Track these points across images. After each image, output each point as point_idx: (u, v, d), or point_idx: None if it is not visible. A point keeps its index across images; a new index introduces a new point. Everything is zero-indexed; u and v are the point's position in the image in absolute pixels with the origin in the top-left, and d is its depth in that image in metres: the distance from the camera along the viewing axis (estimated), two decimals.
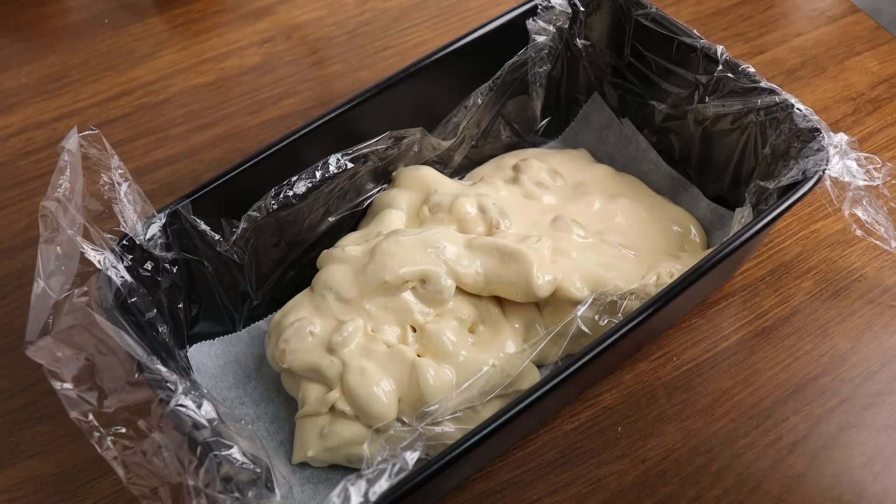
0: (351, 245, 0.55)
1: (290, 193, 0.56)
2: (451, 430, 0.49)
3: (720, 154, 0.60)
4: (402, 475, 0.42)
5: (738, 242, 0.49)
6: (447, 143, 0.63)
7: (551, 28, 0.62)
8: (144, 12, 0.82)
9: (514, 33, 0.62)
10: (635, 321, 0.47)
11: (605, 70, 0.65)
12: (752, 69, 0.57)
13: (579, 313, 0.52)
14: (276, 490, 0.46)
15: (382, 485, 0.41)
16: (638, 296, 0.53)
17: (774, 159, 0.55)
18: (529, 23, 0.62)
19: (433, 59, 0.59)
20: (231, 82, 0.76)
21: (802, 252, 0.62)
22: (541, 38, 0.62)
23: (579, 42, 0.64)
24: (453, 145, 0.63)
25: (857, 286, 0.60)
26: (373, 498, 0.41)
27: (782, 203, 0.50)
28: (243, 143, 0.71)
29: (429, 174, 0.60)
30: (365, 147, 0.58)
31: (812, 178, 0.51)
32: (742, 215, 0.56)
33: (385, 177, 0.61)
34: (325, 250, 0.57)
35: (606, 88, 0.66)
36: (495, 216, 0.56)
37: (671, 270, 0.55)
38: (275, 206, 0.56)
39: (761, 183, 0.55)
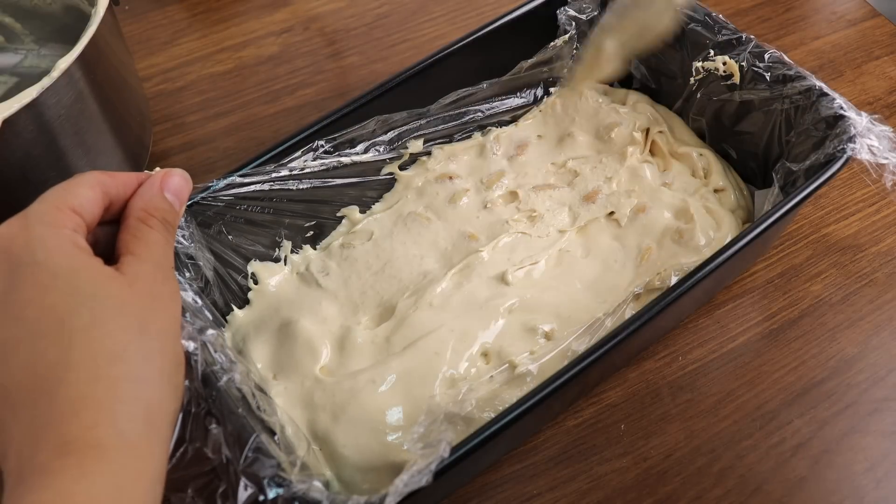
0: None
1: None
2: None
3: (750, 136, 0.61)
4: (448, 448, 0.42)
5: (776, 216, 0.50)
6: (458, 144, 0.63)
7: (582, 17, 0.63)
8: (165, 0, 0.82)
9: (544, 21, 0.64)
10: (683, 287, 0.48)
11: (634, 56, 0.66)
12: (778, 53, 0.57)
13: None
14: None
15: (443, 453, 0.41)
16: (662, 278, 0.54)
17: (801, 143, 0.56)
18: (560, 12, 0.63)
19: (467, 41, 0.61)
20: (248, 71, 0.76)
21: (812, 256, 0.62)
22: (570, 27, 0.63)
23: None
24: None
25: (867, 291, 0.59)
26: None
27: (820, 176, 0.51)
28: (259, 132, 0.72)
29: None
30: (351, 132, 0.58)
31: (841, 157, 0.51)
32: (771, 195, 0.56)
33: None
34: None
35: (636, 73, 0.67)
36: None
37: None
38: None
39: (788, 164, 0.55)
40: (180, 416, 0.40)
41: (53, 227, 0.36)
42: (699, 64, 0.61)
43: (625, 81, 0.68)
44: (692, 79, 0.62)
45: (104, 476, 0.32)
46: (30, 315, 0.34)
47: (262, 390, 0.48)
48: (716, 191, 0.61)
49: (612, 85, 0.68)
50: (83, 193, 0.38)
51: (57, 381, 0.33)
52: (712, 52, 0.60)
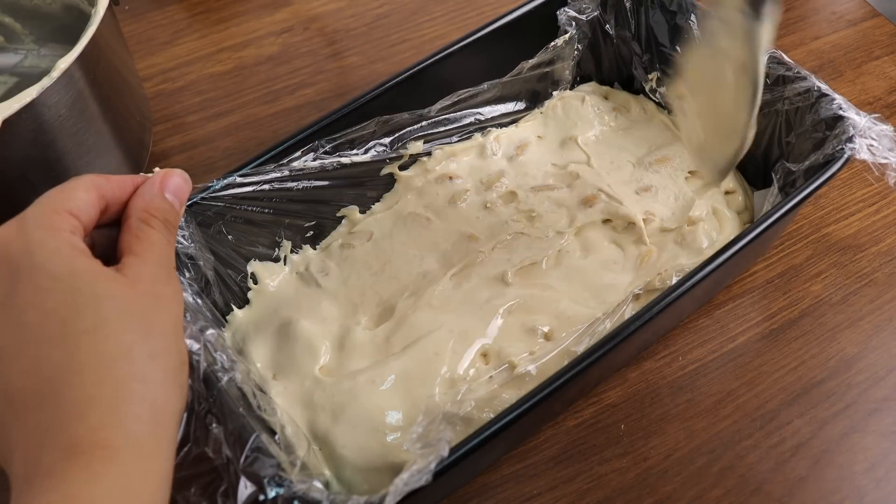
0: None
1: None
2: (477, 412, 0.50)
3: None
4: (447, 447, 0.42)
5: (776, 216, 0.50)
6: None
7: (582, 17, 0.63)
8: (165, 0, 0.82)
9: (544, 22, 0.63)
10: (683, 288, 0.48)
11: (635, 57, 0.66)
12: (778, 54, 0.57)
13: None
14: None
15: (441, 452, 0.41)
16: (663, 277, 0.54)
17: (801, 143, 0.56)
18: (560, 13, 0.63)
19: (467, 41, 0.61)
20: (248, 71, 0.76)
21: (813, 255, 0.62)
22: (570, 28, 0.63)
23: (609, 29, 0.65)
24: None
25: (867, 291, 0.59)
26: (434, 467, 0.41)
27: (820, 176, 0.51)
28: (258, 132, 0.72)
29: None
30: (352, 132, 0.58)
31: (840, 157, 0.51)
32: (770, 195, 0.56)
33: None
34: None
35: (637, 74, 0.67)
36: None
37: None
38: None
39: (787, 164, 0.55)
40: (185, 415, 0.40)
41: (51, 230, 0.36)
42: None
43: (626, 84, 0.68)
44: None
45: (113, 477, 0.32)
46: (31, 319, 0.34)
47: (262, 390, 0.48)
48: (726, 192, 0.60)
49: (611, 86, 0.68)
50: (79, 196, 0.38)
51: (61, 384, 0.33)
52: None
